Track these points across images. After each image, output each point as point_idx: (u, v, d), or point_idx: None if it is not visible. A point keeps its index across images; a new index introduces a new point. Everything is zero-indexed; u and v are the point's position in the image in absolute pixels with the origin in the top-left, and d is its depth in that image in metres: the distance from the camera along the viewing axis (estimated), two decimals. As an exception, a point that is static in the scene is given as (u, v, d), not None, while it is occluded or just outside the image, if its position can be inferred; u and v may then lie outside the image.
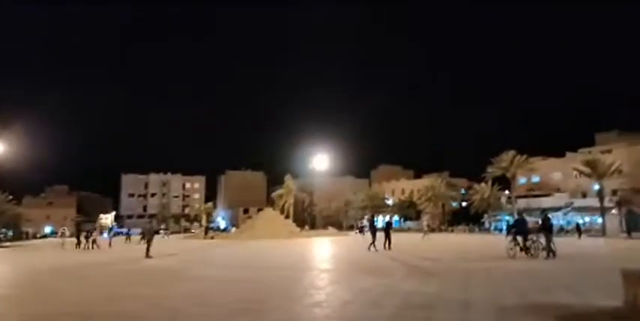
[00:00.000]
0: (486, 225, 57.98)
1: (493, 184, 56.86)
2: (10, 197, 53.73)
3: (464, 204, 65.98)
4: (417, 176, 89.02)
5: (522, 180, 58.54)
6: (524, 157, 51.59)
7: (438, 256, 17.93)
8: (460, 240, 34.38)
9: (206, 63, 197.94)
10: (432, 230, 61.18)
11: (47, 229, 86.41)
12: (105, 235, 40.04)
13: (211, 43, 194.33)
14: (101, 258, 21.05)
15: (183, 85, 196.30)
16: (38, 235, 77.61)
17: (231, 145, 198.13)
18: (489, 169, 53.13)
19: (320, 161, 69.19)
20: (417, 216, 71.46)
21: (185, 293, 9.22)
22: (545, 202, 53.00)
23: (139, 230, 42.94)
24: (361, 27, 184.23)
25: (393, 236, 22.33)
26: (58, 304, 8.17)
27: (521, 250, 15.82)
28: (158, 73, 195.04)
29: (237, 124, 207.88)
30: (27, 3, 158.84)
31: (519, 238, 16.01)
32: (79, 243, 30.56)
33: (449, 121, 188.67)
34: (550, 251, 15.29)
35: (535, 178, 59.86)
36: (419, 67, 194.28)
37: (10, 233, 64.45)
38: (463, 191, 69.51)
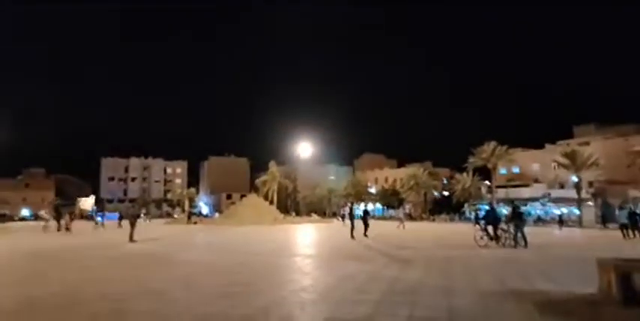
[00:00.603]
0: (467, 214, 59.07)
1: (474, 174, 57.80)
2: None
3: (446, 193, 66.99)
4: (400, 165, 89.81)
5: (503, 170, 59.65)
6: (505, 148, 52.44)
7: (416, 244, 18.27)
8: (435, 228, 34.96)
9: (190, 50, 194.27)
10: (414, 219, 62.19)
11: (25, 212, 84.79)
12: (99, 218, 39.76)
13: (197, 33, 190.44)
14: (84, 241, 20.84)
15: (166, 71, 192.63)
16: (16, 218, 76.19)
17: (215, 131, 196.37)
18: (471, 160, 53.88)
19: (304, 149, 69.23)
20: (400, 204, 72.31)
21: (171, 277, 9.25)
22: (524, 193, 54.24)
23: (116, 214, 42.42)
24: (344, 18, 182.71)
25: (373, 224, 22.71)
26: (44, 287, 8.11)
27: (491, 239, 16.14)
28: (141, 58, 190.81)
29: (221, 110, 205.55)
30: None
31: (489, 228, 16.37)
32: (59, 226, 30.13)
33: (432, 112, 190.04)
34: (521, 240, 15.52)
35: (515, 169, 61.04)
36: (405, 58, 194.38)
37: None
38: (445, 181, 70.51)
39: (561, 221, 36.13)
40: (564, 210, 45.83)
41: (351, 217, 22.07)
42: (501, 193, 53.53)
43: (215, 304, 6.43)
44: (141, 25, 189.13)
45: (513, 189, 55.18)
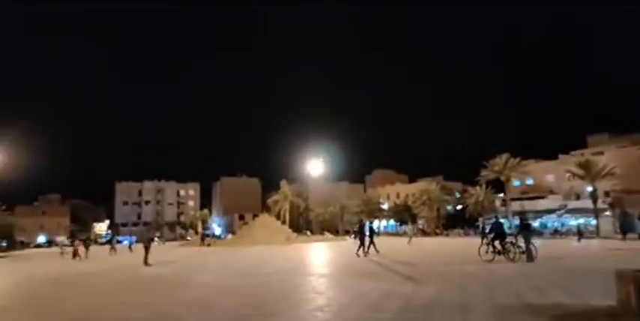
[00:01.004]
0: (481, 228, 58.24)
1: (487, 188, 57.25)
2: (3, 207, 53.32)
3: (459, 207, 66.32)
4: (412, 180, 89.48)
5: (516, 182, 59.00)
6: (518, 160, 52.03)
7: (427, 259, 18.12)
8: (447, 243, 34.56)
9: (201, 71, 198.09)
10: (427, 234, 61.50)
11: (41, 239, 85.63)
12: (125, 242, 40.25)
13: (206, 51, 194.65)
14: (100, 266, 21.01)
15: (176, 93, 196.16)
16: (32, 245, 76.90)
17: (226, 152, 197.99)
18: (483, 173, 53.51)
19: (315, 167, 69.36)
20: (413, 220, 71.72)
21: (187, 300, 9.30)
22: (540, 205, 53.51)
23: (129, 238, 42.86)
24: (352, 33, 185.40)
25: (385, 240, 22.61)
26: (63, 314, 8.22)
27: (498, 253, 15.61)
28: (152, 80, 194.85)
29: (232, 132, 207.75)
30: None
31: (496, 242, 15.88)
32: (75, 252, 30.38)
33: (442, 125, 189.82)
34: (529, 254, 14.98)
35: (529, 181, 60.35)
36: (412, 71, 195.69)
37: (4, 243, 63.84)
38: (458, 195, 69.92)
39: (580, 232, 35.40)
40: (581, 221, 45.03)
41: (361, 234, 22.01)
42: (516, 205, 52.84)
43: (231, 326, 6.47)
44: (132, 34, 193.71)
45: (528, 201, 54.50)
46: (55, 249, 40.13)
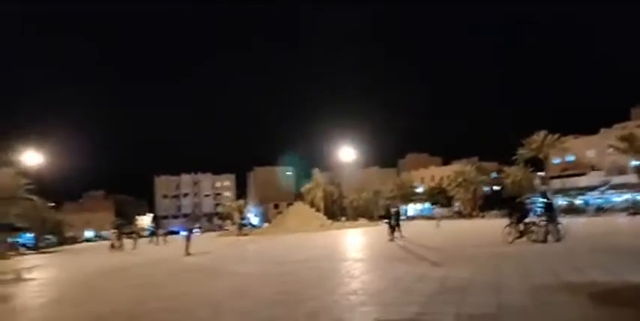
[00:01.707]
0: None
1: (525, 166, 55.73)
2: (52, 204, 56.23)
3: (496, 188, 64.96)
4: (446, 163, 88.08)
5: (556, 160, 57.10)
6: (557, 136, 50.34)
7: (459, 243, 17.94)
8: (476, 225, 33.86)
9: (230, 62, 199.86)
10: (463, 216, 60.66)
11: (88, 234, 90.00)
12: (182, 232, 41.92)
13: (236, 41, 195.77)
14: (144, 258, 22.00)
15: (206, 86, 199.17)
16: (80, 240, 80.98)
17: (258, 142, 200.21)
18: (520, 151, 52.09)
19: (346, 153, 69.34)
20: (449, 202, 70.83)
21: (226, 288, 9.68)
22: (581, 182, 51.75)
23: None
24: (381, 22, 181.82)
25: (415, 224, 22.44)
26: (111, 304, 8.74)
27: (521, 235, 14.87)
28: (184, 72, 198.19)
29: (262, 121, 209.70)
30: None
31: (518, 221, 15.18)
32: (120, 245, 31.92)
33: (474, 104, 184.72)
34: (555, 234, 14.32)
35: (569, 158, 58.30)
36: (443, 51, 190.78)
37: (54, 239, 67.63)
38: (494, 175, 68.42)
39: (630, 209, 33.85)
40: (626, 196, 43.28)
41: (389, 219, 22.00)
42: (556, 183, 51.32)
43: (268, 312, 6.73)
44: (168, 27, 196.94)
45: (569, 179, 52.81)
46: (102, 243, 42.22)
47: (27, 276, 15.72)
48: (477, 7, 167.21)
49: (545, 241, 14.19)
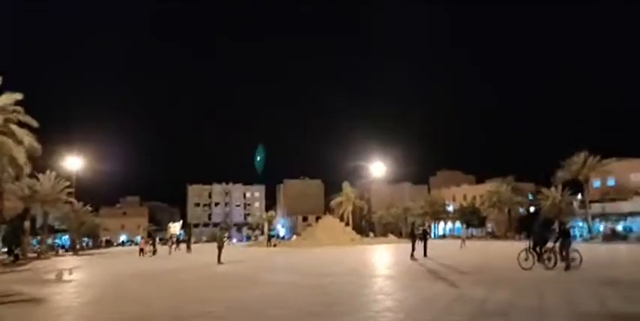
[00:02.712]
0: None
1: (564, 189, 53.75)
2: (90, 208, 58.28)
3: (532, 209, 62.85)
4: (480, 181, 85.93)
5: (596, 183, 54.82)
6: (598, 158, 48.34)
7: (491, 263, 17.38)
8: (502, 248, 32.37)
9: (265, 72, 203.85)
10: (497, 237, 58.87)
11: (122, 237, 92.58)
12: (234, 240, 42.88)
13: (271, 50, 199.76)
14: (177, 264, 22.44)
15: (241, 97, 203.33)
16: (115, 244, 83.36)
17: (289, 154, 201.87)
18: (559, 173, 50.31)
19: (377, 168, 69.06)
20: (481, 223, 68.94)
21: (260, 296, 9.77)
22: (623, 207, 49.39)
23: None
24: (415, 37, 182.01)
25: (440, 244, 21.88)
26: (149, 307, 8.98)
27: (538, 260, 13.90)
28: (218, 84, 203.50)
29: (294, 133, 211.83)
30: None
31: (537, 247, 14.18)
32: (155, 250, 32.72)
33: (512, 123, 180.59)
34: (567, 260, 13.35)
35: (610, 181, 55.86)
36: (477, 67, 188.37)
37: (90, 242, 69.91)
38: (531, 196, 66.28)
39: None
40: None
41: (412, 237, 21.62)
42: (596, 207, 49.16)
43: (305, 323, 6.75)
44: (203, 34, 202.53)
45: (610, 203, 50.49)
46: (135, 248, 43.33)
47: (67, 277, 16.29)
48: (523, 24, 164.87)
49: (552, 268, 13.45)
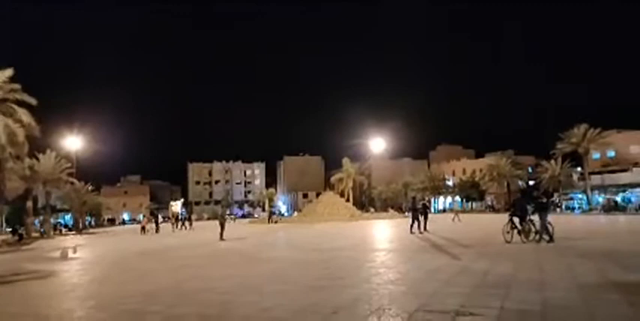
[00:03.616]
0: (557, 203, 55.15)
1: (563, 161, 53.86)
2: (91, 187, 58.48)
3: (531, 183, 63.18)
4: (479, 156, 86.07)
5: (596, 155, 54.88)
6: (598, 130, 48.24)
7: (488, 236, 17.52)
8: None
9: (264, 52, 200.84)
10: (497, 211, 59.42)
11: (125, 216, 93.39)
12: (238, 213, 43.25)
13: (268, 32, 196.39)
14: (180, 241, 22.69)
15: (240, 75, 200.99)
16: (118, 222, 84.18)
17: (288, 131, 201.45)
18: (559, 145, 50.31)
19: (377, 144, 68.89)
20: (481, 196, 69.44)
21: (264, 273, 9.88)
22: (623, 178, 49.65)
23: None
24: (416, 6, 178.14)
25: (438, 217, 22.00)
26: (154, 283, 9.09)
27: (519, 233, 13.90)
28: (218, 63, 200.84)
29: (292, 110, 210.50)
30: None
31: (516, 220, 14.06)
32: (157, 229, 33.06)
33: (510, 97, 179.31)
34: (545, 234, 13.40)
35: (610, 153, 55.91)
36: (478, 43, 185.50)
37: (93, 221, 70.54)
38: (530, 169, 66.51)
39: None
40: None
41: (413, 211, 21.75)
42: (596, 179, 49.44)
43: (309, 297, 6.84)
44: (203, 17, 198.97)
45: (609, 175, 50.71)
46: (137, 226, 43.76)
47: (71, 255, 16.47)
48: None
49: (539, 240, 13.43)
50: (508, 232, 14.05)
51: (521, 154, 74.16)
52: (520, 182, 63.00)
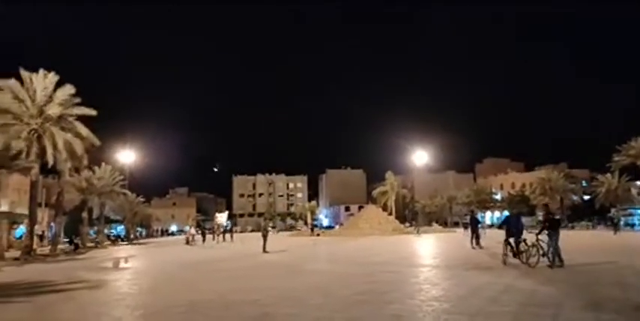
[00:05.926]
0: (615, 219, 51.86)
1: (621, 175, 50.77)
2: (142, 199, 60.95)
3: (586, 197, 59.88)
4: (529, 169, 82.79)
5: (657, 168, 51.30)
6: (659, 142, 45.21)
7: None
8: (569, 238, 31.09)
9: (310, 67, 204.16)
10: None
11: (173, 227, 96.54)
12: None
13: (317, 47, 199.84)
14: (224, 253, 23.14)
15: (284, 88, 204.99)
16: (166, 233, 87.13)
17: (331, 144, 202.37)
18: (616, 158, 47.55)
19: (420, 157, 67.76)
20: (531, 211, 66.45)
21: (306, 285, 9.91)
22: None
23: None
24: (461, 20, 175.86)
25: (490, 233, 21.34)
26: (201, 293, 9.35)
27: (514, 255, 12.54)
28: (262, 78, 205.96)
29: (337, 123, 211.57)
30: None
31: (511, 240, 12.72)
32: (204, 240, 33.97)
33: (565, 108, 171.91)
34: (555, 257, 11.68)
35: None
36: (524, 52, 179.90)
37: (143, 231, 73.41)
38: (584, 183, 63.12)
39: None
40: None
41: (472, 225, 21.17)
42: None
43: (352, 311, 6.80)
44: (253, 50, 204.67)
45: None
46: (183, 237, 45.19)
47: (123, 265, 17.19)
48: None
49: (552, 264, 11.60)
50: (506, 254, 12.83)
51: (575, 167, 70.67)
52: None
